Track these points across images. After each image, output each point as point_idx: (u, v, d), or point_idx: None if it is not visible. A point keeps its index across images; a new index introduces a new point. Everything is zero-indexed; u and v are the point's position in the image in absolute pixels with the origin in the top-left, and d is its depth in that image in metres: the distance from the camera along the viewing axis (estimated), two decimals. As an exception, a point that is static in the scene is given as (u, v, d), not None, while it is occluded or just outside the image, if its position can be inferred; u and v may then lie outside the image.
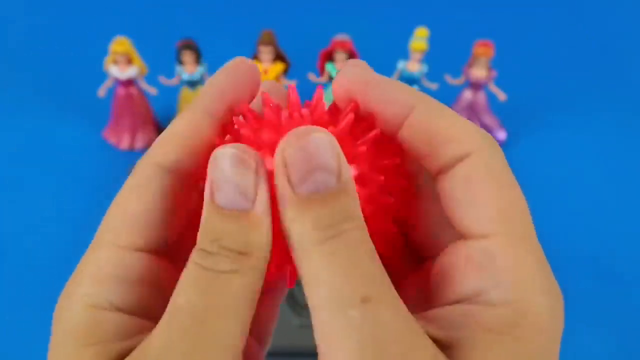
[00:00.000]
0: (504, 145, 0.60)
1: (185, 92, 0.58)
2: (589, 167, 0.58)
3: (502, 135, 0.60)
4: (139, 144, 0.59)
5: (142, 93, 0.58)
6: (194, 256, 0.14)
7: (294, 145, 0.14)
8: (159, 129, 0.61)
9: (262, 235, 0.14)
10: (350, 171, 0.14)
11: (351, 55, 0.54)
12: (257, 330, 0.18)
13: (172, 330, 0.13)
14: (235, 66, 0.16)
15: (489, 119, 0.59)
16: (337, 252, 0.13)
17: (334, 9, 0.80)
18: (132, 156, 0.58)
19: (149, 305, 0.15)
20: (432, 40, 0.55)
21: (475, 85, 0.57)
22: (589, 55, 0.74)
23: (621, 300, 0.46)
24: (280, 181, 0.14)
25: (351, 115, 0.15)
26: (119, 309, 0.15)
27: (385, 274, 0.14)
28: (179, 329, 0.13)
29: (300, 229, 0.14)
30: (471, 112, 0.59)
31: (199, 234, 0.14)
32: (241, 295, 0.14)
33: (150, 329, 0.14)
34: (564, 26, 0.79)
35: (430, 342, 0.13)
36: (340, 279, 0.13)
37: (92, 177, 0.56)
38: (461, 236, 0.15)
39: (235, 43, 0.66)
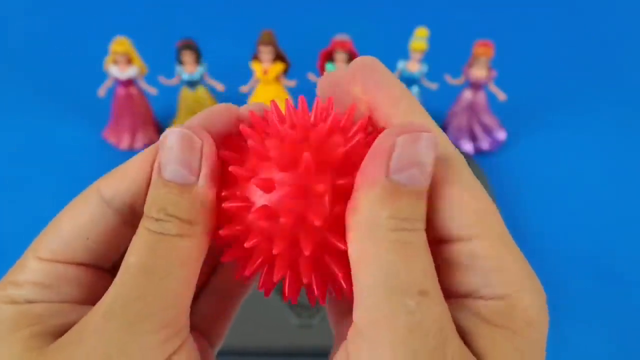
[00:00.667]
0: (504, 145, 0.60)
1: (185, 92, 0.58)
2: (589, 167, 0.58)
3: (502, 135, 0.60)
4: (139, 144, 0.59)
5: (142, 93, 0.58)
6: (143, 222, 0.15)
7: (406, 136, 0.14)
8: (159, 129, 0.61)
9: (204, 207, 0.16)
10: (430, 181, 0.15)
11: (351, 55, 0.54)
12: (208, 327, 0.19)
13: (124, 284, 0.15)
14: (211, 111, 0.17)
15: (489, 119, 0.59)
16: (408, 244, 0.14)
17: (334, 9, 0.80)
18: (132, 156, 0.58)
19: (76, 298, 0.17)
20: (432, 40, 0.55)
21: (475, 85, 0.57)
22: (589, 55, 0.74)
23: (621, 300, 0.46)
24: (377, 164, 0.14)
25: (363, 124, 0.16)
26: (42, 302, 0.16)
27: (436, 275, 0.14)
28: (130, 282, 0.15)
29: (378, 211, 0.14)
30: (471, 112, 0.59)
31: (146, 204, 0.16)
32: (186, 257, 0.15)
33: (83, 311, 0.16)
34: (564, 26, 0.79)
35: (459, 336, 0.14)
36: (405, 268, 0.14)
37: (92, 177, 0.55)
38: (441, 240, 0.15)
39: (235, 43, 0.66)
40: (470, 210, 0.15)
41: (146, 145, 0.59)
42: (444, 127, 0.60)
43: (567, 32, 0.78)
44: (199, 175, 0.16)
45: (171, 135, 0.16)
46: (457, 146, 0.59)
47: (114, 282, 0.15)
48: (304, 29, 0.73)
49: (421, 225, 0.15)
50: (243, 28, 0.71)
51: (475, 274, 0.15)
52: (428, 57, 0.56)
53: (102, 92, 0.57)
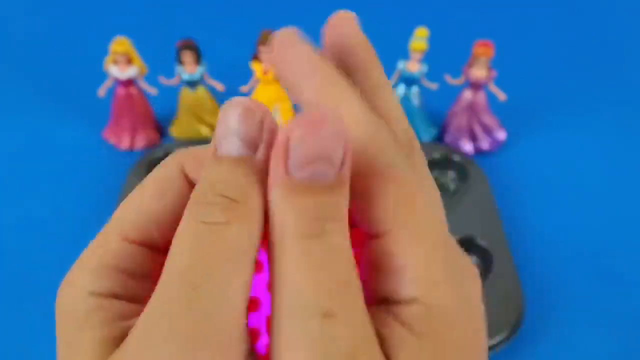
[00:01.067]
0: (504, 145, 0.60)
1: (185, 92, 0.58)
2: (589, 167, 0.58)
3: (502, 135, 0.60)
4: (139, 144, 0.59)
5: (142, 93, 0.58)
6: (187, 210, 0.13)
7: (304, 128, 0.13)
8: (159, 129, 0.61)
9: (256, 183, 0.13)
10: (349, 172, 0.13)
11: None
12: None
13: (162, 295, 0.12)
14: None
15: (489, 119, 0.59)
16: (314, 253, 0.12)
17: (334, 9, 0.80)
18: (132, 156, 0.58)
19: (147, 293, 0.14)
20: (432, 40, 0.55)
21: (475, 85, 0.57)
22: (589, 55, 0.74)
23: (621, 300, 0.46)
24: (275, 162, 0.13)
25: None
26: (119, 296, 0.14)
27: (357, 286, 0.13)
28: (170, 292, 0.12)
29: (283, 216, 0.13)
30: (471, 112, 0.58)
31: (195, 189, 0.14)
32: (238, 246, 0.13)
33: None
34: (564, 26, 0.79)
35: (380, 353, 0.12)
36: (310, 286, 0.12)
37: (92, 177, 0.56)
38: (370, 236, 0.14)
39: (235, 43, 0.66)
40: (389, 200, 0.13)
41: (146, 145, 0.59)
42: (444, 127, 0.60)
43: (567, 32, 0.78)
44: (257, 148, 0.14)
45: (229, 110, 0.14)
46: (457, 146, 0.59)
47: (153, 292, 0.13)
48: (304, 29, 0.73)
49: (333, 225, 0.13)
50: (243, 28, 0.70)
51: (389, 275, 0.13)
52: (428, 57, 0.56)
53: (102, 92, 0.57)
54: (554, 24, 0.80)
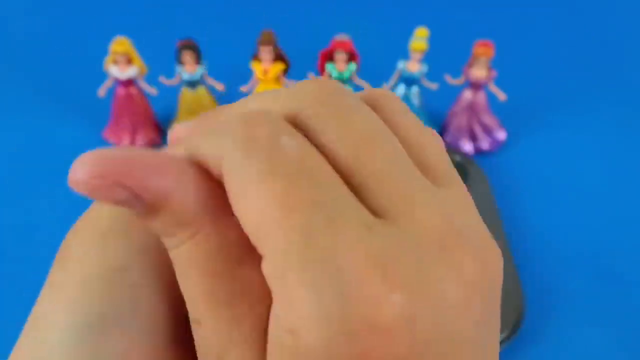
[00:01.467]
0: (504, 145, 0.60)
1: (185, 92, 0.58)
2: (589, 167, 0.58)
3: (502, 135, 0.60)
4: (139, 144, 0.59)
5: (142, 93, 0.58)
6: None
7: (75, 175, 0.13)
8: (159, 129, 0.61)
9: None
10: (172, 178, 0.12)
11: (351, 55, 0.54)
12: None
13: None
14: None
15: (489, 119, 0.59)
16: (175, 266, 0.13)
17: (334, 9, 0.80)
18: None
19: None
20: (432, 40, 0.55)
21: (475, 85, 0.57)
22: (589, 55, 0.74)
23: (622, 300, 0.46)
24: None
25: None
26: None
27: (232, 291, 0.12)
28: None
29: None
30: (471, 112, 0.58)
31: None
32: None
33: None
34: (564, 26, 0.79)
35: None
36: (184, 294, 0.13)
37: (92, 177, 0.56)
38: None
39: (235, 43, 0.66)
40: (251, 227, 0.11)
41: (146, 145, 0.59)
42: (444, 127, 0.60)
43: (567, 32, 0.78)
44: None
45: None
46: (457, 146, 0.59)
47: None
48: (304, 29, 0.73)
49: (175, 241, 0.12)
50: (243, 28, 0.70)
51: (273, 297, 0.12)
52: (428, 57, 0.56)
53: (102, 92, 0.57)
54: (554, 24, 0.80)
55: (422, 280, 0.11)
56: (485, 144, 0.60)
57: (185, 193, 0.12)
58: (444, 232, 0.12)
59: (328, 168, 0.12)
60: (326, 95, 0.13)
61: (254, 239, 0.11)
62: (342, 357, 0.10)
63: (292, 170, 0.11)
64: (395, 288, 0.11)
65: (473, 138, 0.60)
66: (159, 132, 0.61)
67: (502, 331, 0.42)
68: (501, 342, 0.42)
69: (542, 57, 0.74)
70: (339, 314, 0.10)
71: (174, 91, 0.59)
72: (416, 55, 0.56)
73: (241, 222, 0.12)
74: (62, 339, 0.13)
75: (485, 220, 0.15)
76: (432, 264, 0.11)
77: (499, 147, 0.60)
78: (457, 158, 0.56)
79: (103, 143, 0.60)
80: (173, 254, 0.13)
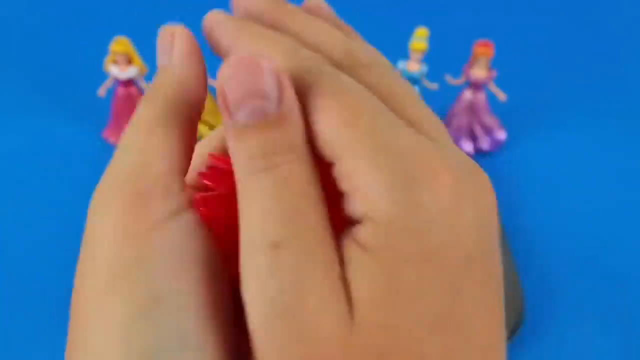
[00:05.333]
0: (504, 145, 0.60)
1: (185, 92, 0.58)
2: (589, 166, 0.58)
3: (502, 135, 0.60)
4: (139, 144, 0.59)
5: (142, 93, 0.58)
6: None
7: (230, 67, 0.13)
8: (159, 129, 0.61)
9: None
10: (295, 102, 0.13)
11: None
12: None
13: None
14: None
15: (489, 119, 0.59)
16: (264, 188, 0.13)
17: (334, 9, 0.80)
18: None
19: None
20: (432, 40, 0.55)
21: (475, 85, 0.57)
22: (589, 55, 0.74)
23: (622, 300, 0.46)
24: (220, 108, 0.13)
25: None
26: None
27: (311, 213, 0.13)
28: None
29: (237, 158, 0.13)
30: (471, 112, 0.58)
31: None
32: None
33: None
34: (564, 26, 0.79)
35: (331, 279, 0.12)
36: (257, 220, 0.13)
37: (92, 177, 0.55)
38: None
39: (235, 43, 0.66)
40: (337, 126, 0.13)
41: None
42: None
43: (567, 32, 0.78)
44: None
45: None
46: (457, 146, 0.59)
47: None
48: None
49: (283, 158, 0.13)
50: (243, 28, 0.70)
51: (347, 199, 0.13)
52: (428, 57, 0.56)
53: (102, 92, 0.57)
54: (554, 24, 0.80)
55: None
56: (485, 144, 0.60)
57: (299, 117, 0.13)
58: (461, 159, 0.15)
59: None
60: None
61: (329, 146, 0.13)
62: (410, 228, 0.12)
63: (356, 90, 0.14)
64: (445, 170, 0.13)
65: (473, 138, 0.60)
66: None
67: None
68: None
69: (542, 57, 0.73)
70: (406, 193, 0.13)
71: (174, 91, 0.59)
72: (416, 55, 0.56)
73: (319, 133, 0.13)
74: None
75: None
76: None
77: (499, 147, 0.60)
78: (457, 158, 0.56)
79: (103, 143, 0.60)
80: (260, 176, 0.13)
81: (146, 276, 0.13)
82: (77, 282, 0.14)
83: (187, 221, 0.14)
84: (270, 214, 0.13)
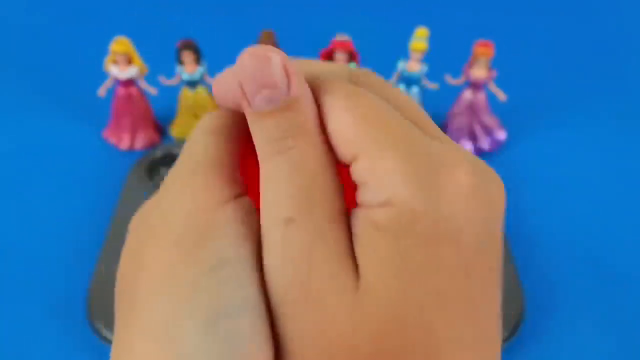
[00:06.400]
0: (504, 145, 0.60)
1: (185, 92, 0.58)
2: (589, 167, 0.58)
3: (502, 135, 0.60)
4: (139, 144, 0.59)
5: (142, 93, 0.58)
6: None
7: (245, 62, 0.14)
8: (159, 129, 0.61)
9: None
10: (305, 90, 0.15)
11: (351, 55, 0.54)
12: None
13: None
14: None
15: (489, 119, 0.59)
16: (279, 170, 0.14)
17: (334, 9, 0.80)
18: (132, 156, 0.58)
19: None
20: (432, 40, 0.55)
21: (475, 85, 0.57)
22: (589, 55, 0.74)
23: (622, 300, 0.46)
24: (241, 98, 0.15)
25: None
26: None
27: (322, 190, 0.14)
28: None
29: (257, 142, 0.15)
30: (471, 112, 0.58)
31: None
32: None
33: None
34: (564, 26, 0.79)
35: (346, 271, 0.13)
36: (273, 198, 0.14)
37: (92, 177, 0.56)
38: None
39: (235, 43, 0.66)
40: (354, 123, 0.14)
41: (146, 145, 0.59)
42: (444, 128, 0.60)
43: (567, 32, 0.78)
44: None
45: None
46: (457, 146, 0.59)
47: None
48: (304, 29, 0.73)
49: (295, 141, 0.14)
50: (243, 28, 0.71)
51: (366, 188, 0.14)
52: (428, 57, 0.56)
53: (102, 92, 0.57)
54: (554, 24, 0.80)
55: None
56: (485, 144, 0.60)
57: (311, 104, 0.15)
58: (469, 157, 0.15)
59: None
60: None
61: (345, 143, 0.14)
62: (429, 214, 0.13)
63: (367, 93, 0.15)
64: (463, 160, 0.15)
65: (473, 138, 0.60)
66: (159, 132, 0.61)
67: (502, 331, 0.42)
68: (501, 342, 0.42)
69: (542, 57, 0.74)
70: (428, 179, 0.14)
71: (174, 91, 0.59)
72: (416, 55, 0.56)
73: (335, 132, 0.15)
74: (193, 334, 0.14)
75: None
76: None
77: (499, 148, 0.60)
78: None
79: (103, 143, 0.60)
80: (276, 160, 0.14)
81: (213, 241, 0.14)
82: (147, 242, 0.15)
83: (246, 203, 0.16)
84: (283, 193, 0.14)
